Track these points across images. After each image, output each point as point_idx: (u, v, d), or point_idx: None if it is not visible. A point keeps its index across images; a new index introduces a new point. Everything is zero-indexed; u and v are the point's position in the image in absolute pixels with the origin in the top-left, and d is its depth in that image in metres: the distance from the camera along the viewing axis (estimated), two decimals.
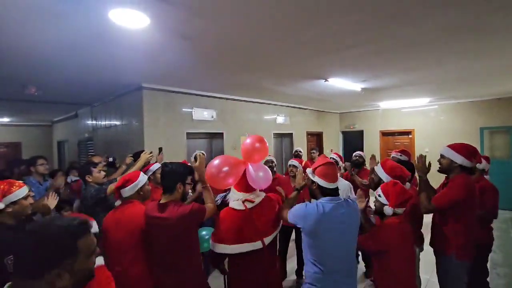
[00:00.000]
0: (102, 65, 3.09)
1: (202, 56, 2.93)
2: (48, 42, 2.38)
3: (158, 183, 2.83)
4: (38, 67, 3.10)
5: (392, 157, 3.24)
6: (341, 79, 4.15)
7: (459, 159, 2.12)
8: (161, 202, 1.79)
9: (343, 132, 9.26)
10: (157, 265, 1.78)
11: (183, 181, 1.83)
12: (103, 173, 2.69)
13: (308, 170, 1.82)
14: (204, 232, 2.36)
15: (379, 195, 1.93)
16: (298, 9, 1.91)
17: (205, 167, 1.96)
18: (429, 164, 2.30)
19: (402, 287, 1.82)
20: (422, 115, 7.47)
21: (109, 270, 1.81)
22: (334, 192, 1.71)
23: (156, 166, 2.98)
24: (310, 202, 1.75)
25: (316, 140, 8.29)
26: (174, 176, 1.81)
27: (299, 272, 3.36)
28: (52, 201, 2.25)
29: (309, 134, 7.82)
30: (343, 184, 3.10)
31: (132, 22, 1.97)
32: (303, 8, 1.90)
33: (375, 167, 2.35)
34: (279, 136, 6.96)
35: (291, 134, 7.10)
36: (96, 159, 3.29)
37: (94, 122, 5.85)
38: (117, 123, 4.93)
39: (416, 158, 2.36)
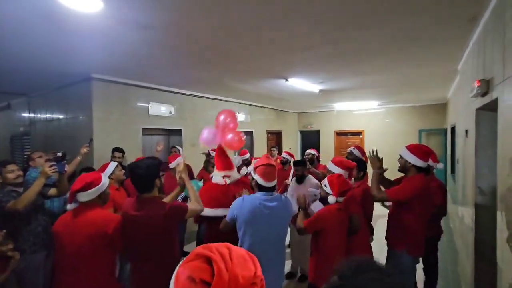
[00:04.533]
0: (43, 50, 2.73)
1: (160, 49, 2.77)
2: None
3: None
4: None
5: (351, 151, 3.48)
6: (300, 79, 4.29)
7: (411, 159, 2.21)
8: (139, 199, 1.72)
9: (301, 132, 9.63)
10: (134, 258, 1.77)
11: (158, 175, 1.81)
12: (17, 172, 2.31)
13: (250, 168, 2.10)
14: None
15: (325, 185, 2.11)
16: (259, 9, 1.92)
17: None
18: (382, 158, 2.40)
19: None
20: (371, 117, 8.15)
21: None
22: (269, 189, 1.99)
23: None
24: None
25: (276, 138, 8.47)
26: (150, 174, 1.74)
27: None
28: None
29: (269, 132, 7.96)
30: (314, 183, 3.25)
31: (82, 4, 1.78)
32: (265, 8, 1.91)
33: (328, 165, 2.61)
34: None
35: (252, 132, 7.15)
36: (36, 155, 2.90)
37: (31, 114, 5.18)
38: (61, 116, 4.43)
39: (369, 153, 2.49)
